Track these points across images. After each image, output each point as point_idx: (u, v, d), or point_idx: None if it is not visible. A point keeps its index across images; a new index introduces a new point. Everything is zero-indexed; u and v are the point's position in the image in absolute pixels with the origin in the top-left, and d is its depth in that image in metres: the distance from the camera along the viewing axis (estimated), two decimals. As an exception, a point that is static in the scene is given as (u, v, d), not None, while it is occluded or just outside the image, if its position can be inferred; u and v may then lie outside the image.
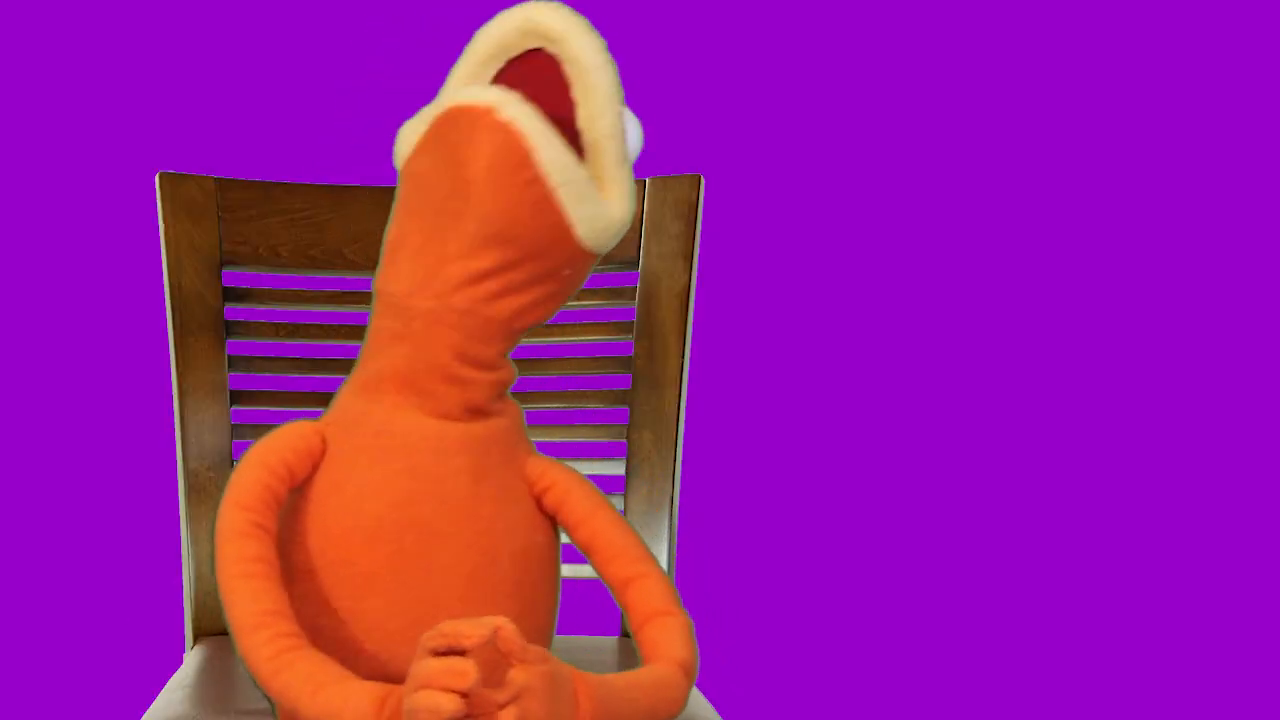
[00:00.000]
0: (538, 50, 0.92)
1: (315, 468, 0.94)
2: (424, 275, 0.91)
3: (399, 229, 0.93)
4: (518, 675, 0.81)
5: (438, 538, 0.92)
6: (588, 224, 0.90)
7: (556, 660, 0.85)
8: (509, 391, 0.97)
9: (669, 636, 0.97)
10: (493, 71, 0.93)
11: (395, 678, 0.89)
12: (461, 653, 0.80)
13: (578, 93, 0.91)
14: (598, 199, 0.90)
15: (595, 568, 0.98)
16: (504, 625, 0.81)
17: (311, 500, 0.93)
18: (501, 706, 0.80)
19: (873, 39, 1.75)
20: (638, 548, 0.99)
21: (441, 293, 0.90)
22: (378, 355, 0.94)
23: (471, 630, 0.80)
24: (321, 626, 0.92)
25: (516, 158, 0.87)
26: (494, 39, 0.92)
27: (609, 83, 0.91)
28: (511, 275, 0.91)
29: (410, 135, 0.93)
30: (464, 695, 0.79)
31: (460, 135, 0.88)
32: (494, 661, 0.81)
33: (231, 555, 0.89)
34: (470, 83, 0.93)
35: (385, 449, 0.92)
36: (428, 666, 0.79)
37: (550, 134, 0.88)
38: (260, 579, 0.88)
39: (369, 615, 0.92)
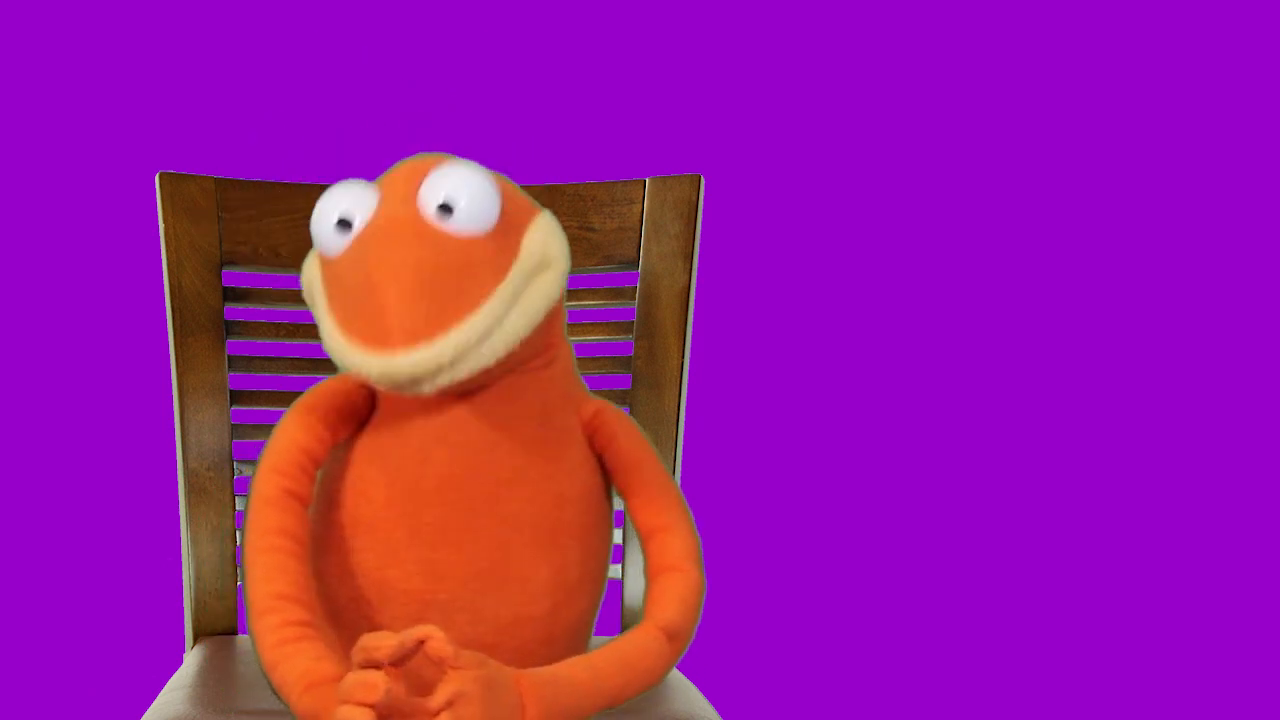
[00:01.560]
0: None
1: (361, 422, 0.94)
2: None
3: None
4: (450, 682, 0.81)
5: (506, 484, 0.92)
6: (552, 301, 0.89)
7: (495, 664, 0.84)
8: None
9: (666, 596, 0.95)
10: None
11: (465, 627, 0.89)
12: (378, 665, 0.80)
13: None
14: (542, 291, 0.88)
15: (629, 512, 0.98)
16: (431, 633, 0.81)
17: (372, 451, 0.93)
18: (434, 714, 0.80)
19: (872, 39, 1.76)
20: (670, 499, 0.98)
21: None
22: None
23: (382, 643, 0.80)
24: (388, 578, 0.92)
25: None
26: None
27: (482, 339, 0.86)
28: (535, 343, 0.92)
29: None
30: (374, 707, 0.79)
31: None
32: (427, 670, 0.81)
33: (258, 525, 0.89)
34: None
35: (448, 396, 0.92)
36: (344, 681, 0.80)
37: (479, 332, 0.85)
38: (279, 554, 0.88)
39: (439, 565, 0.91)
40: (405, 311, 0.85)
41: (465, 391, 0.92)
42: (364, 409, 0.94)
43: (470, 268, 0.86)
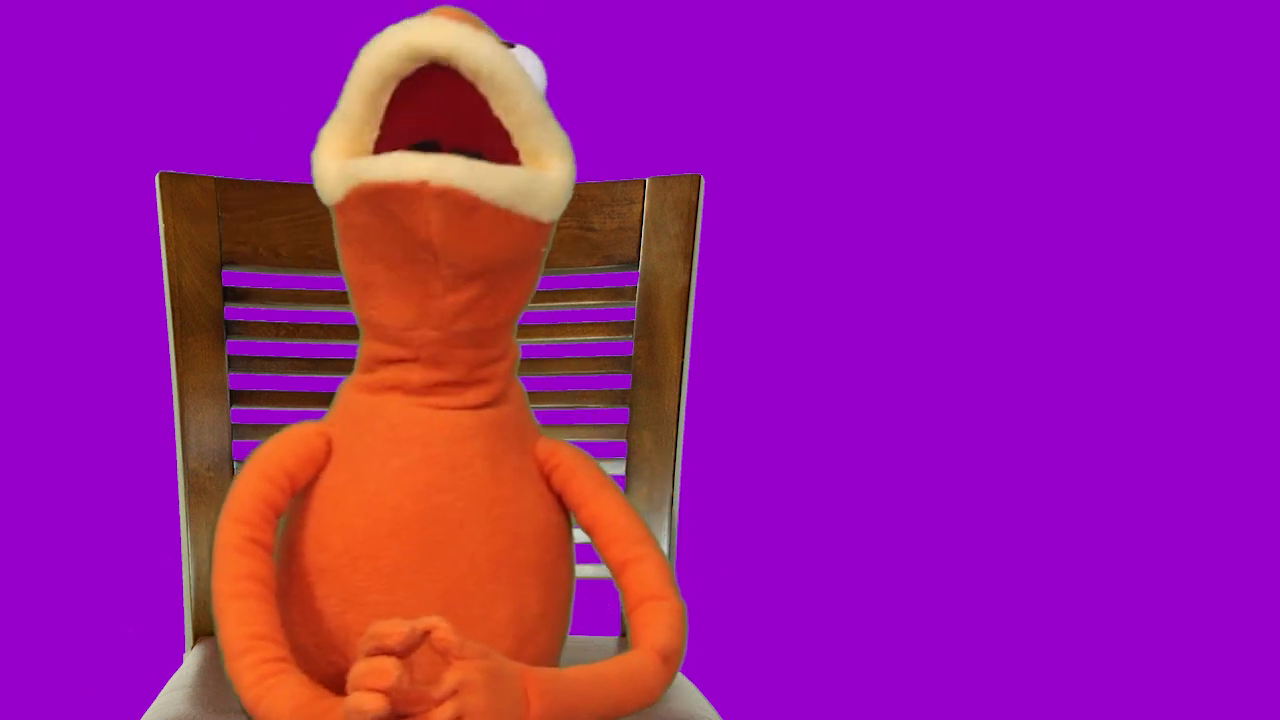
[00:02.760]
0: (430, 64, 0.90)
1: (320, 469, 0.94)
2: (416, 311, 0.91)
3: (362, 268, 0.92)
4: (454, 671, 0.82)
5: (461, 525, 0.93)
6: (545, 209, 0.89)
7: (500, 656, 0.85)
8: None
9: (655, 622, 0.97)
10: (387, 98, 0.89)
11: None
12: (390, 653, 0.81)
13: (485, 89, 0.88)
14: (543, 181, 0.89)
15: (597, 549, 0.99)
16: (438, 624, 0.82)
17: (328, 499, 0.94)
18: (439, 702, 0.81)
19: (872, 39, 1.76)
20: (638, 530, 0.99)
21: (441, 324, 0.91)
22: (384, 369, 0.94)
23: (393, 630, 0.81)
24: (349, 623, 0.93)
25: (466, 208, 0.86)
26: (378, 69, 0.88)
27: (513, 75, 0.88)
28: (501, 284, 0.91)
29: (335, 181, 0.89)
30: (386, 693, 0.79)
31: (400, 206, 0.86)
32: (433, 660, 0.82)
33: (225, 573, 0.90)
34: (367, 114, 0.89)
35: (400, 441, 0.93)
36: (355, 669, 0.80)
37: (484, 169, 0.86)
38: (250, 599, 0.89)
39: (399, 607, 0.92)
40: (463, 15, 0.88)
41: (413, 437, 0.93)
42: (321, 456, 0.95)
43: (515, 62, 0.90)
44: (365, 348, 0.95)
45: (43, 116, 1.70)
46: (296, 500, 0.96)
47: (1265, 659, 1.73)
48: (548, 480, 0.98)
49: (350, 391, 0.96)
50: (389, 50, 0.87)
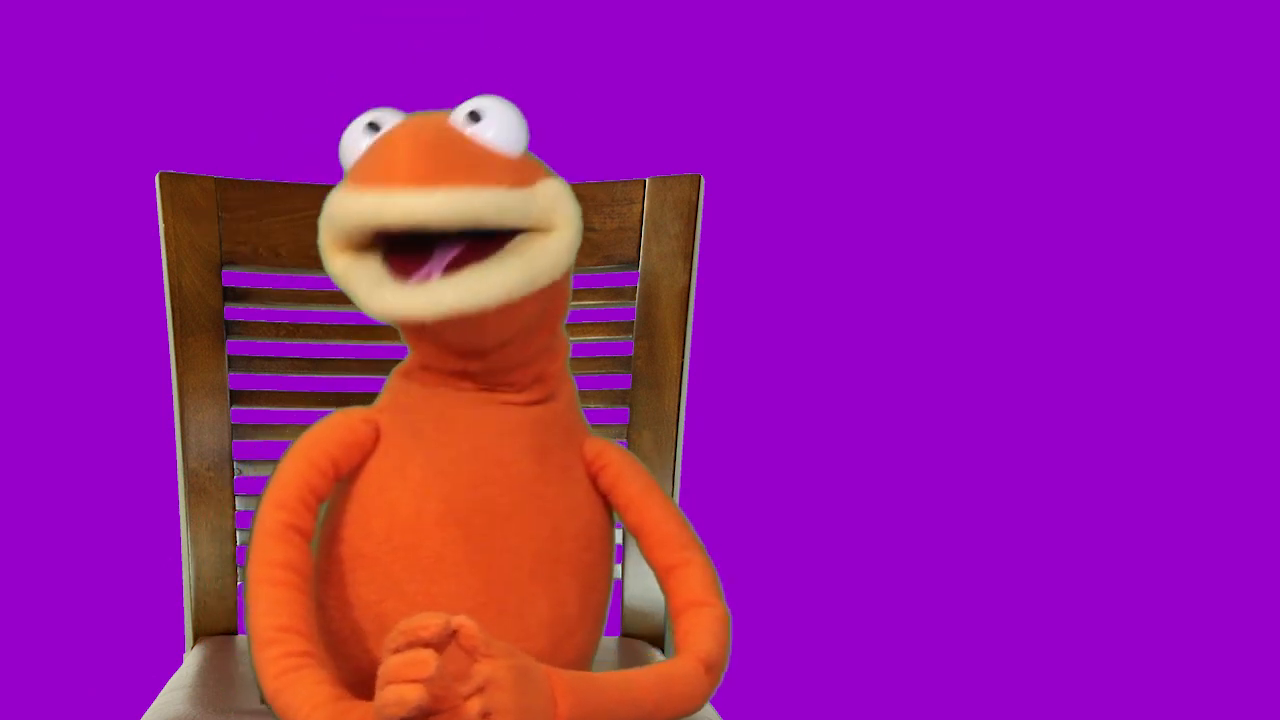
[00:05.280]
0: None
1: (365, 456, 0.95)
2: (457, 363, 0.92)
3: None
4: (482, 667, 0.82)
5: (505, 519, 0.93)
6: (554, 275, 0.90)
7: (526, 656, 0.85)
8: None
9: (698, 629, 0.97)
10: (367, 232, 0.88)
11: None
12: (425, 645, 0.81)
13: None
14: (546, 257, 0.89)
15: (642, 551, 1.00)
16: (464, 623, 0.82)
17: (373, 486, 0.94)
18: (466, 698, 0.81)
19: (872, 39, 1.76)
20: (685, 534, 0.99)
21: (483, 366, 0.92)
22: (440, 368, 0.94)
23: (427, 622, 0.81)
24: (387, 610, 0.93)
25: (471, 321, 0.87)
26: (346, 236, 0.87)
27: (488, 207, 0.86)
28: (530, 327, 0.92)
29: (341, 284, 0.89)
30: (426, 684, 0.79)
31: (407, 326, 0.89)
32: (460, 659, 0.82)
33: (260, 558, 0.90)
34: (354, 238, 0.88)
35: (449, 432, 0.93)
36: (390, 662, 0.80)
37: (479, 282, 0.85)
38: (282, 587, 0.89)
39: (439, 598, 0.92)
40: (417, 158, 0.85)
41: (463, 428, 0.93)
42: (368, 444, 0.95)
43: (487, 160, 0.87)
44: (414, 350, 0.96)
45: (43, 116, 1.70)
46: (341, 485, 0.96)
47: (1265, 659, 1.73)
48: (594, 480, 0.99)
49: (400, 380, 0.96)
50: (351, 224, 0.86)
